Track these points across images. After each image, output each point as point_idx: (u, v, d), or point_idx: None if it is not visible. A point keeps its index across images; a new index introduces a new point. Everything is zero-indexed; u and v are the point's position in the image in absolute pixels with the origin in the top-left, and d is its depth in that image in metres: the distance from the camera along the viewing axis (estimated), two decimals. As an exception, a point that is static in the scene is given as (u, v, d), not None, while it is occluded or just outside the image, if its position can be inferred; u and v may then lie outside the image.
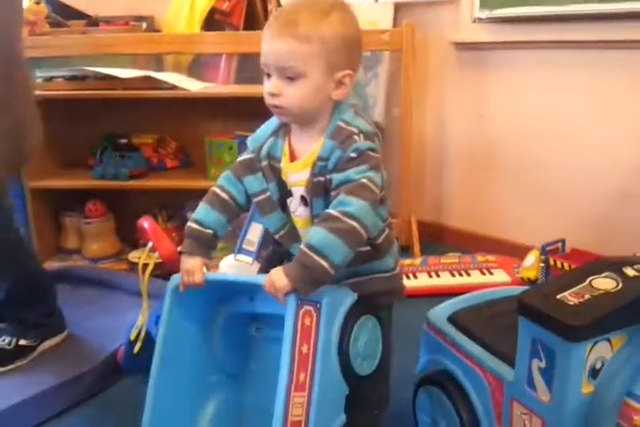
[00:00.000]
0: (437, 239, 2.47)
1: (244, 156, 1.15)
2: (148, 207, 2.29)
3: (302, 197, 1.09)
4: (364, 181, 0.99)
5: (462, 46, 2.33)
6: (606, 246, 1.93)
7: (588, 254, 1.91)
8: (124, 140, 2.38)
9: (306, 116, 1.04)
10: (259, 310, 1.16)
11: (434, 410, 1.24)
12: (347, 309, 1.04)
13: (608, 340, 0.91)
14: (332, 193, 1.01)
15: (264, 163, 1.11)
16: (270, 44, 0.99)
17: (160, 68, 2.59)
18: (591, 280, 0.97)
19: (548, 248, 1.98)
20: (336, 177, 1.01)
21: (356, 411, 1.09)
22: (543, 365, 0.93)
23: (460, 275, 2.12)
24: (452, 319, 1.23)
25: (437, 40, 2.39)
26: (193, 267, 1.10)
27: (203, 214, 1.13)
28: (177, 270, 1.41)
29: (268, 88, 1.02)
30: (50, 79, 2.31)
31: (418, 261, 2.19)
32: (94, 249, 2.33)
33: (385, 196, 1.10)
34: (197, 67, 2.74)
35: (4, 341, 1.64)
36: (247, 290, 1.14)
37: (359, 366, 1.06)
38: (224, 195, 1.14)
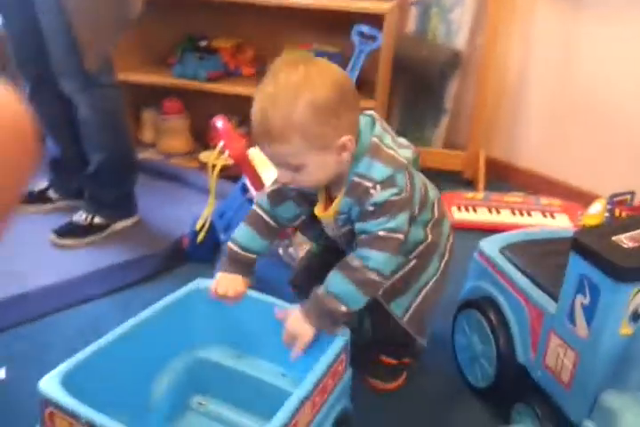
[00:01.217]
0: (504, 177, 2.45)
1: (271, 187, 1.17)
2: (221, 111, 2.33)
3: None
4: (381, 233, 1.02)
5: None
6: (677, 205, 1.88)
7: (657, 209, 1.87)
8: (204, 43, 2.41)
9: (324, 183, 1.07)
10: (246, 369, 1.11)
11: (471, 333, 1.30)
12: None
13: (656, 287, 0.92)
14: (357, 237, 1.06)
15: (293, 193, 1.14)
16: (261, 150, 1.02)
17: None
18: (650, 228, 0.97)
19: (616, 199, 1.94)
20: (357, 226, 1.06)
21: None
22: (587, 301, 0.96)
23: (521, 215, 2.11)
24: (505, 251, 1.26)
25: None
26: (233, 281, 1.12)
27: (245, 238, 1.15)
28: (245, 171, 1.48)
29: (279, 179, 1.06)
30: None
31: (480, 195, 2.19)
32: (168, 145, 2.42)
33: (422, 202, 1.14)
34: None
35: (80, 216, 1.78)
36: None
37: None
38: (266, 217, 1.16)
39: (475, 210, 2.13)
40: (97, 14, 1.55)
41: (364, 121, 1.05)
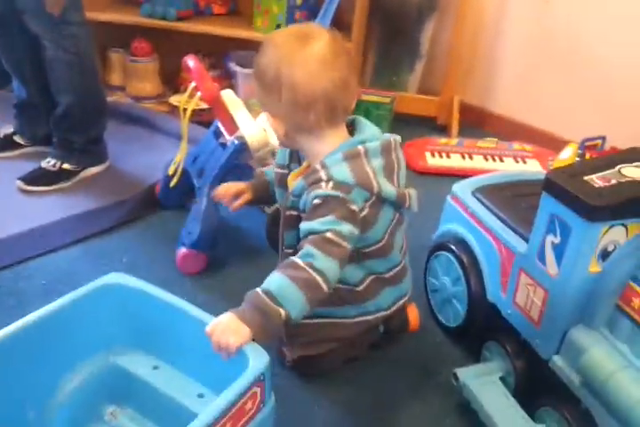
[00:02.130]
0: (478, 124, 2.44)
1: None
2: (191, 53, 2.27)
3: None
4: (329, 235, 0.96)
5: None
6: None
7: (626, 154, 1.89)
8: (173, -21, 2.31)
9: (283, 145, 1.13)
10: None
11: (443, 275, 1.32)
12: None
13: (624, 226, 0.94)
14: (301, 241, 0.99)
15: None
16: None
17: None
18: (621, 168, 0.98)
19: (586, 143, 1.96)
20: (303, 226, 1.00)
21: None
22: (557, 240, 0.98)
23: (494, 160, 2.12)
24: (476, 193, 1.27)
25: None
26: (236, 184, 1.14)
27: None
28: (218, 113, 1.45)
29: None
30: None
31: (454, 141, 2.19)
32: (138, 88, 2.35)
33: (380, 251, 1.10)
34: None
35: (49, 163, 1.74)
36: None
37: None
38: None
39: (448, 156, 2.13)
40: None
41: (372, 133, 1.07)
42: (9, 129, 1.89)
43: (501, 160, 2.13)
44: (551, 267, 1.00)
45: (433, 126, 2.36)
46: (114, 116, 1.96)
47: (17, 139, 1.88)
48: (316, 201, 0.99)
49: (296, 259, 0.96)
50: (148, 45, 2.33)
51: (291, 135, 1.06)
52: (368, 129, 1.08)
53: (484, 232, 1.20)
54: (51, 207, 1.64)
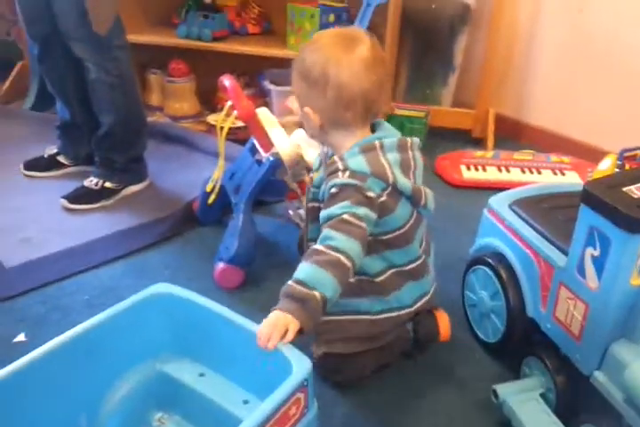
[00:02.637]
0: (514, 135, 2.43)
1: None
2: (227, 72, 2.31)
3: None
4: (345, 216, 1.00)
5: None
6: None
7: (668, 165, 1.85)
8: (208, 0, 2.37)
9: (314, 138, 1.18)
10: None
11: (481, 290, 1.31)
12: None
13: (666, 237, 0.92)
14: (321, 228, 1.03)
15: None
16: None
17: None
18: (662, 179, 0.97)
19: (626, 154, 1.92)
20: (322, 214, 1.05)
21: None
22: (597, 253, 0.96)
23: (531, 172, 2.10)
24: (514, 206, 1.26)
25: None
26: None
27: None
28: (254, 131, 1.47)
29: None
30: None
31: (490, 154, 2.18)
32: (176, 108, 2.41)
33: (400, 240, 1.11)
34: None
35: (91, 182, 1.79)
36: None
37: None
38: None
39: (484, 169, 2.12)
40: None
41: (389, 131, 1.12)
42: (53, 149, 1.96)
43: (539, 172, 2.10)
44: (591, 280, 0.99)
45: (468, 139, 2.35)
46: (153, 135, 2.01)
47: (61, 159, 1.94)
48: (334, 190, 1.04)
49: (316, 246, 1.00)
50: (185, 66, 2.39)
51: (325, 129, 1.10)
52: (387, 129, 1.14)
53: (522, 246, 1.19)
54: (93, 225, 1.69)
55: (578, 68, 2.23)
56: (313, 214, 1.14)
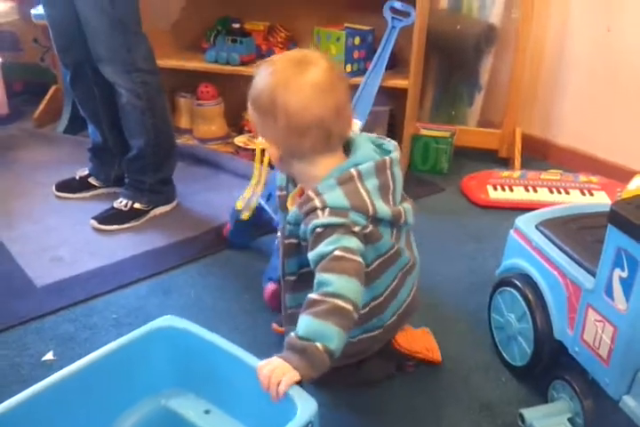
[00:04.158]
0: (541, 155, 2.41)
1: None
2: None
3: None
4: (336, 253, 0.94)
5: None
6: None
7: (699, 185, 1.82)
8: (236, 25, 2.41)
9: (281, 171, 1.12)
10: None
11: (508, 312, 1.29)
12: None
13: (695, 259, 0.91)
14: (314, 269, 0.97)
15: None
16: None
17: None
18: (691, 200, 0.95)
19: (656, 174, 1.89)
20: (311, 256, 0.98)
21: None
22: (625, 275, 0.95)
23: (559, 193, 2.08)
24: (541, 226, 1.25)
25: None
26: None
27: None
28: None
29: None
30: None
31: (517, 174, 2.16)
32: (204, 130, 2.45)
33: (377, 271, 1.06)
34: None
35: (120, 203, 1.83)
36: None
37: None
38: None
39: (511, 189, 2.10)
40: None
41: (365, 154, 1.04)
42: (84, 171, 2.01)
43: (567, 192, 2.08)
44: (620, 302, 0.97)
45: (494, 159, 2.34)
46: (181, 157, 2.04)
47: (91, 180, 1.99)
48: (318, 230, 0.98)
49: (313, 295, 0.94)
50: (214, 89, 2.44)
51: (285, 160, 1.05)
52: (361, 150, 1.05)
53: (550, 267, 1.17)
54: (122, 245, 1.72)
55: (606, 87, 2.21)
56: (290, 250, 1.08)
